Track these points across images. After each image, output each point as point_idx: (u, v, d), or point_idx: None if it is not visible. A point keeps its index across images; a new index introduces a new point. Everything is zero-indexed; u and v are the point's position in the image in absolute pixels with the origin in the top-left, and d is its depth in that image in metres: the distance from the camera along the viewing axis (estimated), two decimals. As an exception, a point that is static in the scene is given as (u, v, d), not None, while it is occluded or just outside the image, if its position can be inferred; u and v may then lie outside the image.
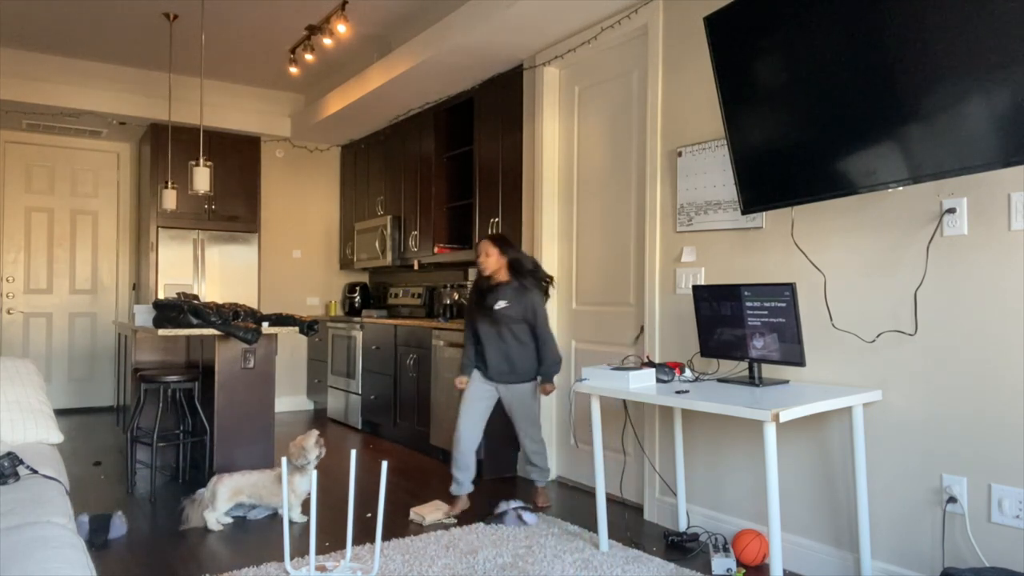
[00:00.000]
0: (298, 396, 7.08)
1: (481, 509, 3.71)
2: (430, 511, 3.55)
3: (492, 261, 3.65)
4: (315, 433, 3.52)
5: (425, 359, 5.00)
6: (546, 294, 3.74)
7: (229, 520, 3.46)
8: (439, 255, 5.51)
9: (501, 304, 3.61)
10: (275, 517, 3.56)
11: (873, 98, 2.45)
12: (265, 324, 4.25)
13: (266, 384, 4.30)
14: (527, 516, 3.44)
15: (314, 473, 2.15)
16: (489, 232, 4.86)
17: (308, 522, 3.51)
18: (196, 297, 4.28)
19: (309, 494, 3.74)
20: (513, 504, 3.50)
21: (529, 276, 3.67)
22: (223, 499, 3.38)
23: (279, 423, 6.10)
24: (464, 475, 3.67)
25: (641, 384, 2.93)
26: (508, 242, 3.73)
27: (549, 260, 4.40)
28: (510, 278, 3.66)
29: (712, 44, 3.00)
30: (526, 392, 3.70)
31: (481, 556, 3.01)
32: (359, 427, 5.93)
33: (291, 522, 3.50)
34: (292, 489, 3.51)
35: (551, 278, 3.79)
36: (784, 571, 2.91)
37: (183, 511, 3.46)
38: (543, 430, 4.33)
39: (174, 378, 4.08)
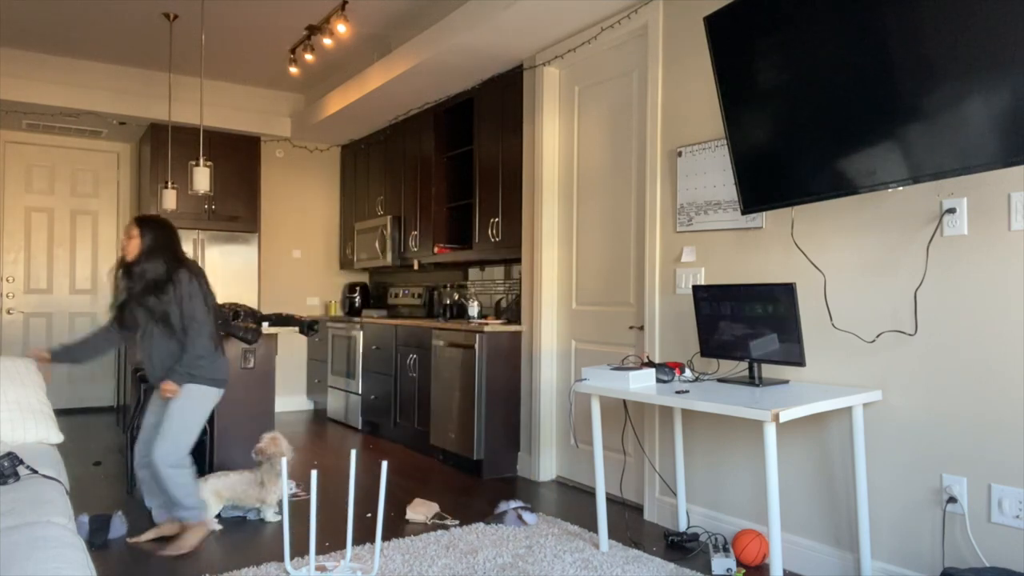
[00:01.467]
0: (298, 396, 7.08)
1: (481, 509, 3.71)
2: (424, 509, 3.57)
3: (133, 245, 3.19)
4: (266, 436, 3.50)
5: (425, 359, 5.00)
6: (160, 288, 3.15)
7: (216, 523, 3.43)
8: (439, 255, 5.51)
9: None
10: (276, 515, 3.55)
11: (873, 98, 2.45)
12: (265, 324, 4.25)
13: (266, 384, 4.30)
14: (527, 516, 3.44)
15: (314, 473, 2.15)
16: (489, 233, 4.87)
17: (308, 522, 3.51)
18: (196, 297, 4.27)
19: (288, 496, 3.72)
20: (513, 504, 3.50)
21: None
22: (209, 503, 3.36)
23: (279, 423, 6.09)
24: (151, 500, 3.26)
25: (641, 384, 2.93)
26: (156, 226, 3.26)
27: (549, 260, 4.40)
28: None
29: (712, 44, 3.00)
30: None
31: (481, 556, 3.01)
32: (359, 427, 5.93)
33: (264, 521, 3.50)
34: (268, 490, 3.47)
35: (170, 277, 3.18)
36: (784, 571, 2.91)
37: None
38: (542, 431, 4.34)
39: (174, 378, 4.06)
